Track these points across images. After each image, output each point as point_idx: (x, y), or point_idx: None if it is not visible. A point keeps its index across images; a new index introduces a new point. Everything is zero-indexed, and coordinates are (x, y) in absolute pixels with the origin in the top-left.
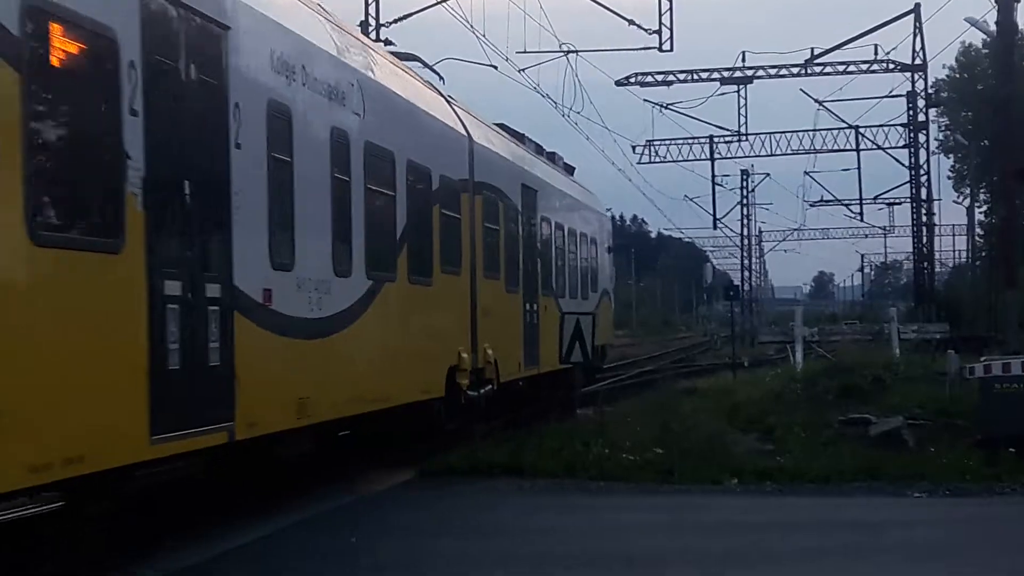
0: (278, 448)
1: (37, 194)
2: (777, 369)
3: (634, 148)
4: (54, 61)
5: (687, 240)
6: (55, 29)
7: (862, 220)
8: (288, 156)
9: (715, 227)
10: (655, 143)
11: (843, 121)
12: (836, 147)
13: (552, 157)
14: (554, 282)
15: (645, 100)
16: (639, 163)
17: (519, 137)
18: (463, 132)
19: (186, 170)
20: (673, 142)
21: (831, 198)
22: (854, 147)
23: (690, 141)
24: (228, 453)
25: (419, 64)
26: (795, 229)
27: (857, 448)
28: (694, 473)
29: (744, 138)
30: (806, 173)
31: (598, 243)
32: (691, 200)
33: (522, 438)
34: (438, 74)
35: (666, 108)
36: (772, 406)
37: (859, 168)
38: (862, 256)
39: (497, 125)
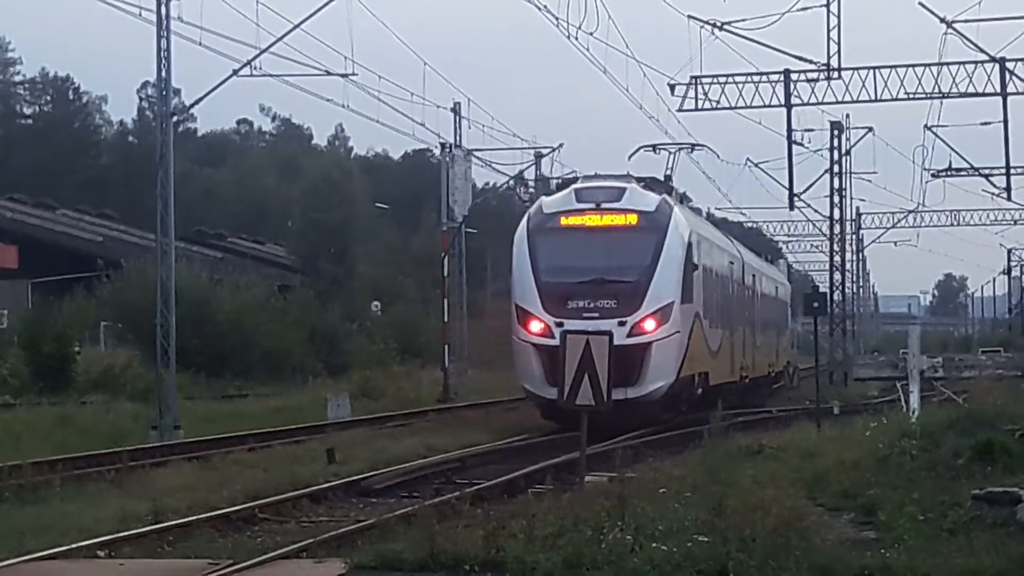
0: None
1: None
2: (882, 419)
3: (673, 88)
4: None
5: (750, 225)
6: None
7: (1009, 198)
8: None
9: (791, 207)
10: (704, 80)
11: (983, 51)
12: (972, 90)
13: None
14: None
15: (690, 17)
16: (680, 110)
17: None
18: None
19: None
20: (731, 79)
21: (964, 166)
22: (998, 90)
23: (756, 78)
24: None
25: None
26: (911, 211)
27: (1001, 538)
28: (759, 574)
29: (836, 75)
30: (927, 128)
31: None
32: (756, 166)
33: (502, 517)
34: None
35: (721, 28)
36: (874, 475)
37: (1005, 122)
38: (1008, 252)
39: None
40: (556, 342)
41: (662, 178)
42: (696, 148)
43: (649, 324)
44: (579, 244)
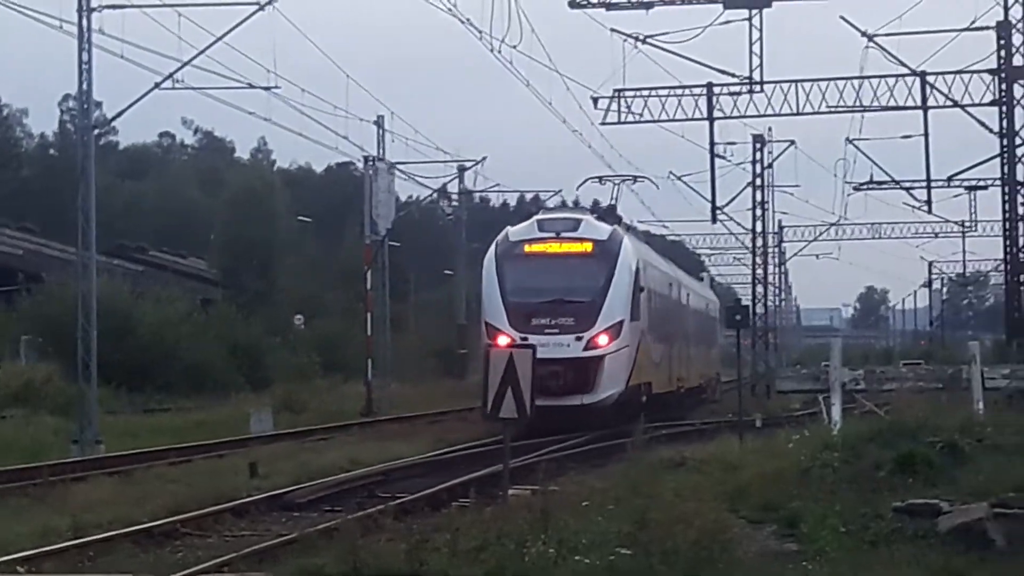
0: None
1: None
2: (804, 432)
3: (596, 101)
4: None
5: (673, 238)
6: None
7: (930, 211)
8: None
9: (714, 220)
10: (627, 94)
11: (904, 65)
12: (893, 103)
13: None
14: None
15: (613, 30)
16: (604, 123)
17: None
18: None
19: None
20: (654, 93)
21: (885, 179)
22: (919, 103)
23: (679, 91)
24: None
25: None
26: (832, 224)
27: (922, 549)
28: None
29: (758, 88)
30: (849, 141)
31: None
32: (679, 179)
33: (425, 531)
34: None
35: (644, 41)
36: (797, 487)
37: (926, 135)
38: (930, 265)
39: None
40: None
41: (610, 208)
42: (638, 180)
43: (603, 339)
44: (541, 268)
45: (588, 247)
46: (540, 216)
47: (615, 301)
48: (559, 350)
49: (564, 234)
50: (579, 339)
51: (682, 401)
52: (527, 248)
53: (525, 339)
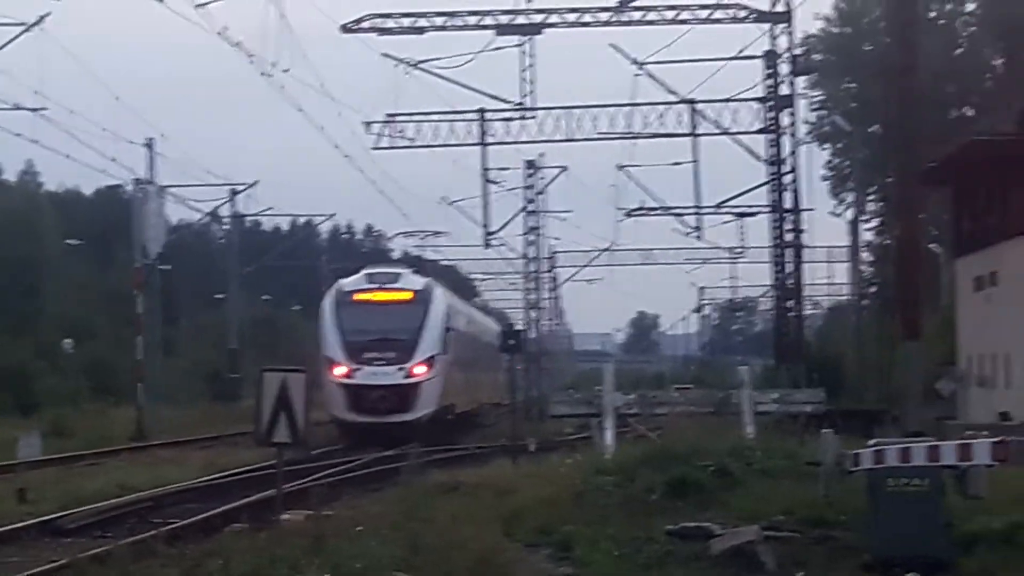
0: None
1: None
2: (578, 456)
3: (368, 125)
4: None
5: (446, 263)
6: None
7: (700, 238)
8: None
9: (487, 245)
10: (399, 119)
11: (673, 92)
12: (663, 130)
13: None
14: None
15: (385, 55)
16: (376, 147)
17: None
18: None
19: None
20: (426, 118)
21: (655, 205)
22: (689, 130)
23: (451, 117)
24: None
25: None
26: (604, 250)
27: (694, 572)
28: None
29: (531, 115)
30: (620, 168)
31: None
32: (452, 204)
33: (198, 556)
34: None
35: (416, 66)
36: (571, 510)
37: (696, 162)
38: (701, 290)
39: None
40: (355, 382)
41: (425, 265)
42: (439, 234)
43: (419, 369)
44: (369, 313)
45: (408, 295)
46: (368, 270)
47: (429, 339)
48: (385, 378)
49: (387, 285)
50: (400, 369)
51: (479, 418)
52: (356, 296)
53: (358, 369)
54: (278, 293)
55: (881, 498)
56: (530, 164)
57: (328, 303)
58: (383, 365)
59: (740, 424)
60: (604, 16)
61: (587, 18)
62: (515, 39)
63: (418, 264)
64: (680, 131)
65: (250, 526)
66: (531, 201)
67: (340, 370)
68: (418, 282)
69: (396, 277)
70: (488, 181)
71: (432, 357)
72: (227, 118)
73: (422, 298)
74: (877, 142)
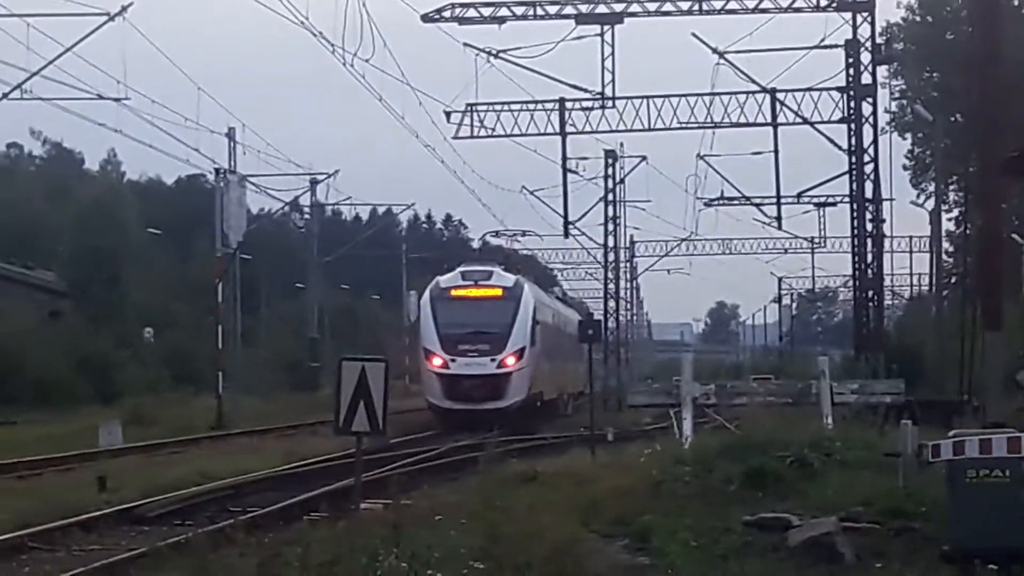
0: None
1: None
2: (656, 446)
3: (448, 115)
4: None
5: (526, 252)
6: None
7: (780, 227)
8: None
9: (566, 235)
10: (479, 108)
11: (754, 82)
12: (744, 119)
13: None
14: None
15: (466, 45)
16: (456, 137)
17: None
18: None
19: None
20: (506, 107)
21: (735, 195)
22: (769, 120)
23: (531, 106)
24: None
25: None
26: (683, 239)
27: (772, 563)
28: None
29: (610, 104)
30: (700, 157)
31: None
32: (532, 193)
33: (277, 545)
34: None
35: (497, 56)
36: (648, 501)
37: (776, 152)
38: (780, 280)
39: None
40: (451, 372)
41: (516, 260)
42: (527, 234)
43: (510, 360)
44: (464, 307)
45: (499, 292)
46: (463, 268)
47: (519, 332)
48: (479, 368)
49: (481, 282)
50: (493, 360)
51: (565, 405)
52: (453, 292)
53: (454, 359)
54: (357, 282)
55: (960, 489)
56: (609, 153)
57: (426, 298)
58: (477, 356)
59: (819, 415)
60: (685, 5)
61: (668, 7)
62: (595, 28)
63: (507, 260)
64: (760, 120)
65: (329, 515)
66: (610, 190)
67: (437, 361)
68: (509, 279)
69: (489, 274)
70: (567, 170)
71: (522, 349)
72: (308, 108)
73: (513, 294)
74: (959, 132)
